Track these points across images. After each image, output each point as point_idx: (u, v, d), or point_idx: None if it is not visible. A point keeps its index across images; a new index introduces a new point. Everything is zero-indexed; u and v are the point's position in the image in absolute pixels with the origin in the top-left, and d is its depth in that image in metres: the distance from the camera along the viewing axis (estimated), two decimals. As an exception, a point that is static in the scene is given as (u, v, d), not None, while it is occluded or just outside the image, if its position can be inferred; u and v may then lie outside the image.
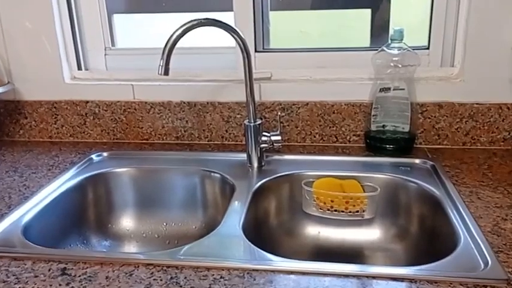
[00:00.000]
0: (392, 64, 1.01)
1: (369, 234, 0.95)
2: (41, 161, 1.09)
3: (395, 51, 1.01)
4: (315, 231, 0.97)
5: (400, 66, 1.01)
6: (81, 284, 0.63)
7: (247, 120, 0.99)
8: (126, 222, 1.03)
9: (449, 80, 1.08)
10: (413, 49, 1.02)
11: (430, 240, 0.86)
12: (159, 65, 0.86)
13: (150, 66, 0.86)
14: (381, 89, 1.04)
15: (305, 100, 1.11)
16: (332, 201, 0.94)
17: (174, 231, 1.02)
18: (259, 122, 0.99)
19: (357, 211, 0.94)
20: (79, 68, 1.24)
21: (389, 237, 0.94)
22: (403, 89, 1.03)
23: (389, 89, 1.03)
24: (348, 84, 1.10)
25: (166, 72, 0.87)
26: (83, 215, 0.99)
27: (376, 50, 1.04)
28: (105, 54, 1.24)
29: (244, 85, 0.97)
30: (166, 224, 1.03)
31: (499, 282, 0.62)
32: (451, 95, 1.07)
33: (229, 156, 1.08)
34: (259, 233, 0.91)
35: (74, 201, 0.97)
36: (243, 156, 1.03)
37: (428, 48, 1.11)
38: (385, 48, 1.02)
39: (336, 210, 0.94)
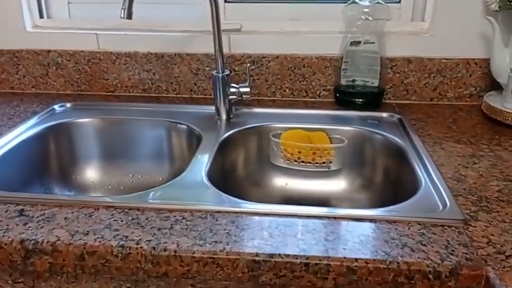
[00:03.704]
0: (363, 17, 1.00)
1: (336, 185, 0.96)
2: (1, 110, 1.04)
3: (367, 3, 1.00)
4: (282, 182, 0.98)
5: (371, 19, 1.00)
6: (39, 224, 0.62)
7: (216, 70, 0.97)
8: (91, 173, 1.01)
9: (419, 35, 1.07)
10: (385, 2, 1.01)
11: (393, 188, 0.87)
12: (122, 7, 0.83)
13: (116, 16, 0.83)
14: (351, 42, 1.03)
15: (275, 53, 1.09)
16: (299, 152, 0.94)
17: (140, 183, 1.00)
18: (227, 72, 0.97)
19: (324, 162, 0.94)
20: (41, 16, 1.18)
21: (355, 188, 0.95)
22: (373, 43, 1.02)
23: (359, 42, 1.02)
24: (320, 37, 1.09)
25: (129, 16, 0.84)
26: (45, 165, 0.96)
27: (349, 2, 1.02)
28: (69, 2, 1.18)
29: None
30: (132, 176, 1.01)
31: (456, 222, 0.63)
32: (421, 50, 1.06)
33: (197, 109, 1.06)
34: (226, 183, 0.90)
35: (35, 151, 0.94)
36: (212, 109, 1.01)
37: (399, 2, 1.10)
38: (356, 0, 1.01)
39: (303, 162, 0.95)
